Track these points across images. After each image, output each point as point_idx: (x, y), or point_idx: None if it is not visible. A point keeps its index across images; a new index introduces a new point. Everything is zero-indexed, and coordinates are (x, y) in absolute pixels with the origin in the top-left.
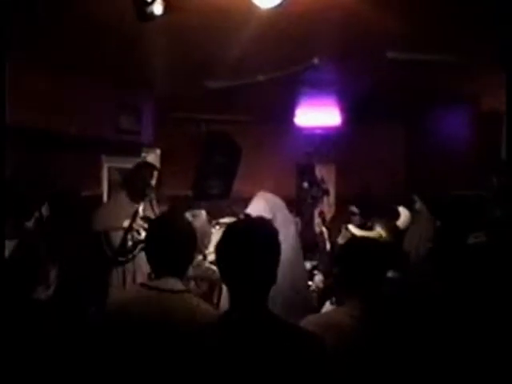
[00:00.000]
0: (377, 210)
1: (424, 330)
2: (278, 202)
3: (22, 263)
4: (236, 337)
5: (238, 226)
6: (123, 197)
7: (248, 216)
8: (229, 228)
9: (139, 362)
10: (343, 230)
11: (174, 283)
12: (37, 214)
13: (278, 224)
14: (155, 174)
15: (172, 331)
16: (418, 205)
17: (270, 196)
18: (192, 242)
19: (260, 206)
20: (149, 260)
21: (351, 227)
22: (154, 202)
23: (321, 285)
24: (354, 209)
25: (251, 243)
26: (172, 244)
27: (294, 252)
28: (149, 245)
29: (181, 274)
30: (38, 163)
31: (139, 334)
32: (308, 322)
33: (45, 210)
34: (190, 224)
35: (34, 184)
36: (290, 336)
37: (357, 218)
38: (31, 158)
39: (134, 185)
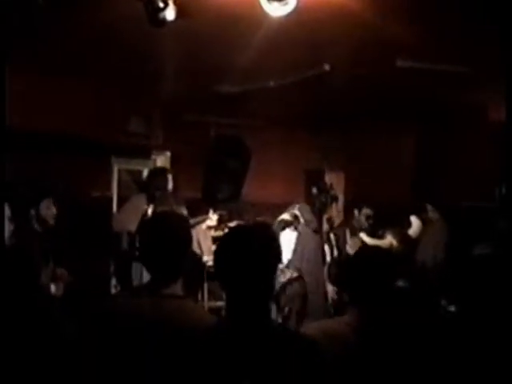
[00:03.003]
0: (389, 217)
1: (425, 343)
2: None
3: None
4: (233, 343)
5: (236, 232)
6: (142, 200)
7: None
8: (227, 233)
9: (134, 366)
10: (352, 239)
11: (172, 288)
12: (34, 212)
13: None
14: (170, 177)
15: (166, 337)
16: (432, 213)
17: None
18: (184, 240)
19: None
20: (144, 264)
21: (363, 235)
22: (179, 207)
23: (335, 296)
24: (369, 211)
25: (248, 249)
26: (164, 246)
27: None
28: (141, 249)
29: (177, 276)
30: (43, 164)
31: (134, 338)
32: (306, 329)
33: (44, 209)
34: (181, 221)
35: (32, 184)
36: (289, 342)
37: (369, 222)
38: (37, 160)
39: (151, 189)
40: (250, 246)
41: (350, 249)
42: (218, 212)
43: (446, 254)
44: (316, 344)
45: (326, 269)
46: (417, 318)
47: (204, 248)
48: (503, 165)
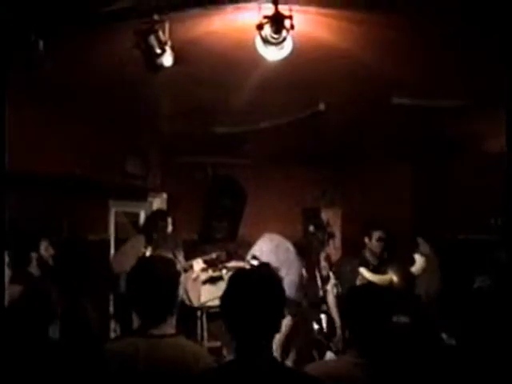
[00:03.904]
0: (388, 252)
1: (428, 377)
2: (283, 242)
3: (33, 310)
4: (242, 382)
5: (242, 276)
6: (140, 241)
7: (254, 258)
8: (233, 277)
9: None
10: (349, 275)
11: (163, 327)
12: (35, 255)
13: (281, 262)
14: (169, 220)
15: (163, 377)
16: (424, 247)
17: (275, 236)
18: (174, 281)
19: (264, 245)
20: (132, 306)
21: (363, 270)
22: (178, 249)
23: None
24: (381, 233)
25: (255, 293)
26: (149, 289)
27: (296, 287)
28: (130, 292)
29: (168, 317)
30: (41, 205)
31: (129, 381)
32: (310, 369)
33: (43, 250)
34: (168, 263)
35: (33, 224)
36: (295, 383)
37: (381, 244)
38: (35, 201)
39: (150, 231)
40: (257, 291)
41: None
42: (216, 253)
43: (442, 287)
44: (320, 383)
45: (331, 300)
46: (419, 353)
47: (191, 295)
48: (503, 196)
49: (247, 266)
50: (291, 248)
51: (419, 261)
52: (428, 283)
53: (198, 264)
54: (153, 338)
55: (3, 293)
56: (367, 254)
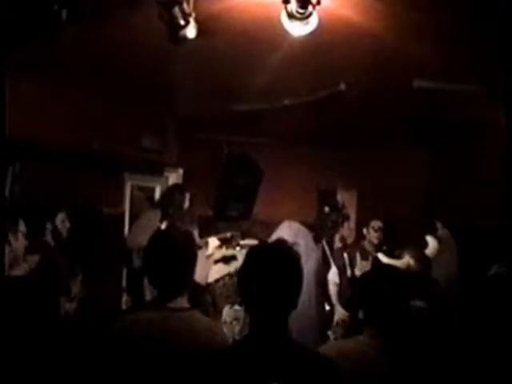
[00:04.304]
0: (403, 236)
1: (443, 362)
2: (302, 230)
3: (44, 280)
4: (256, 361)
5: (260, 251)
6: (156, 216)
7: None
8: (251, 252)
9: (144, 381)
10: (361, 263)
11: (179, 301)
12: (49, 226)
13: (301, 251)
14: (187, 196)
15: (176, 349)
16: (442, 232)
17: (294, 224)
18: (191, 255)
19: (284, 233)
20: (149, 279)
21: (381, 256)
22: (193, 225)
23: (346, 318)
24: (378, 223)
25: (274, 268)
26: (168, 261)
27: (314, 275)
28: (148, 264)
29: (184, 290)
30: (57, 179)
31: (143, 353)
32: (325, 349)
33: (59, 223)
34: (187, 236)
35: (50, 196)
36: (309, 362)
37: (379, 235)
38: (52, 174)
39: (166, 206)
40: (274, 266)
41: (359, 272)
42: (230, 233)
43: (460, 273)
44: (334, 363)
45: (332, 288)
46: (435, 337)
47: (199, 274)
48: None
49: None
50: (310, 236)
51: (432, 243)
52: (446, 267)
53: (213, 242)
54: (169, 310)
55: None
56: (366, 245)
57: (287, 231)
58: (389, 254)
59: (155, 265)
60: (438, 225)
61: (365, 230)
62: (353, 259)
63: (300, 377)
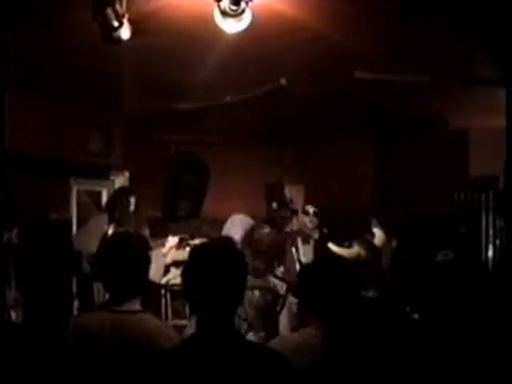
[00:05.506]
0: (351, 228)
1: (391, 351)
2: (250, 223)
3: None
4: (204, 358)
5: (203, 249)
6: (102, 220)
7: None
8: (194, 250)
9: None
10: (304, 247)
11: (131, 303)
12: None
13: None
14: (133, 199)
15: (127, 352)
16: (375, 228)
17: (242, 217)
18: (144, 258)
19: (232, 229)
20: (102, 282)
21: (331, 245)
22: (141, 227)
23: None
24: (313, 208)
25: (217, 265)
26: (121, 265)
27: None
28: (101, 268)
29: (136, 293)
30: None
31: (94, 356)
32: (273, 344)
33: (15, 237)
34: (139, 240)
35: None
36: (258, 357)
37: (312, 218)
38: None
39: (112, 210)
40: (219, 262)
41: (304, 257)
42: (179, 235)
43: (408, 261)
44: (283, 357)
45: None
46: (384, 327)
47: (154, 273)
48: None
49: None
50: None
51: (378, 233)
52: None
53: (173, 240)
54: (119, 313)
55: None
56: (305, 229)
57: (236, 226)
58: (331, 238)
59: (106, 269)
60: (373, 220)
61: (301, 215)
62: (296, 244)
63: (251, 372)
